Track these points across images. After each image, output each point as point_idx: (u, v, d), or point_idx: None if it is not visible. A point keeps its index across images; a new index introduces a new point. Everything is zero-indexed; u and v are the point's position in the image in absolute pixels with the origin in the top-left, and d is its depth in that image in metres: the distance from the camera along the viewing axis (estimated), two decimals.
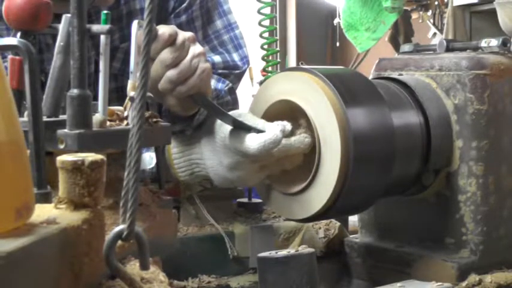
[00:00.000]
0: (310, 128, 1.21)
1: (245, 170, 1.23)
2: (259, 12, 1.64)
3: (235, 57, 1.63)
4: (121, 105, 1.00)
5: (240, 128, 1.22)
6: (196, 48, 1.29)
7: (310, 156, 1.21)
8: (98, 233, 0.75)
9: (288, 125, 1.20)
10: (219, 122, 1.27)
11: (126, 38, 1.07)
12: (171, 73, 1.26)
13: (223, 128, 1.25)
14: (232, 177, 1.25)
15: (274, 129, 1.19)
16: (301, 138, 1.21)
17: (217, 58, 1.61)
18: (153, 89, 1.28)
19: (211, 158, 1.27)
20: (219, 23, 1.64)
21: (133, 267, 0.81)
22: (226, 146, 1.24)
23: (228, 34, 1.64)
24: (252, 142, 1.19)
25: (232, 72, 1.62)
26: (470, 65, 1.24)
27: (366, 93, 1.23)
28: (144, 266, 0.75)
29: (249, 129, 1.21)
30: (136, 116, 0.70)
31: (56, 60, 0.96)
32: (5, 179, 0.64)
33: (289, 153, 1.21)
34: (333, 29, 5.78)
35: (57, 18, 0.95)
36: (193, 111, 1.36)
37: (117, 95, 1.52)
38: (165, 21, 1.55)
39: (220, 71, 1.61)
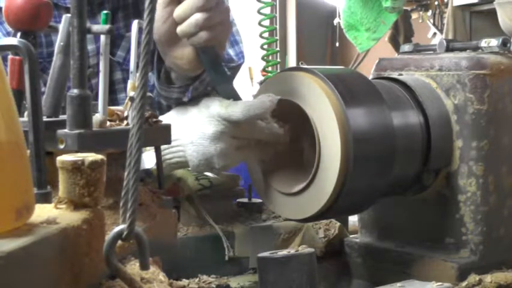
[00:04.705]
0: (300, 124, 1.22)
1: (226, 144, 1.23)
2: (259, 12, 1.64)
3: (231, 52, 1.63)
4: None
5: (229, 97, 1.24)
6: (224, 4, 1.29)
7: (310, 156, 1.21)
8: (98, 233, 0.75)
9: (275, 98, 1.21)
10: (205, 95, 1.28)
11: (131, 27, 1.06)
12: (201, 16, 1.23)
13: (210, 98, 1.27)
14: (213, 151, 1.23)
15: (261, 97, 1.21)
16: (278, 124, 1.22)
17: None
18: (168, 34, 1.26)
19: (192, 132, 1.26)
20: None
21: (133, 267, 0.81)
22: (211, 114, 1.24)
23: None
24: (237, 108, 1.20)
25: (227, 65, 1.62)
26: (470, 65, 1.24)
27: (366, 93, 1.23)
28: (144, 266, 0.75)
29: (238, 99, 1.24)
30: (136, 116, 0.70)
31: (56, 60, 0.96)
32: (5, 179, 0.64)
33: (266, 133, 1.21)
34: (332, 29, 5.79)
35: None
36: (195, 73, 1.34)
37: (125, 85, 1.51)
38: None
39: None
